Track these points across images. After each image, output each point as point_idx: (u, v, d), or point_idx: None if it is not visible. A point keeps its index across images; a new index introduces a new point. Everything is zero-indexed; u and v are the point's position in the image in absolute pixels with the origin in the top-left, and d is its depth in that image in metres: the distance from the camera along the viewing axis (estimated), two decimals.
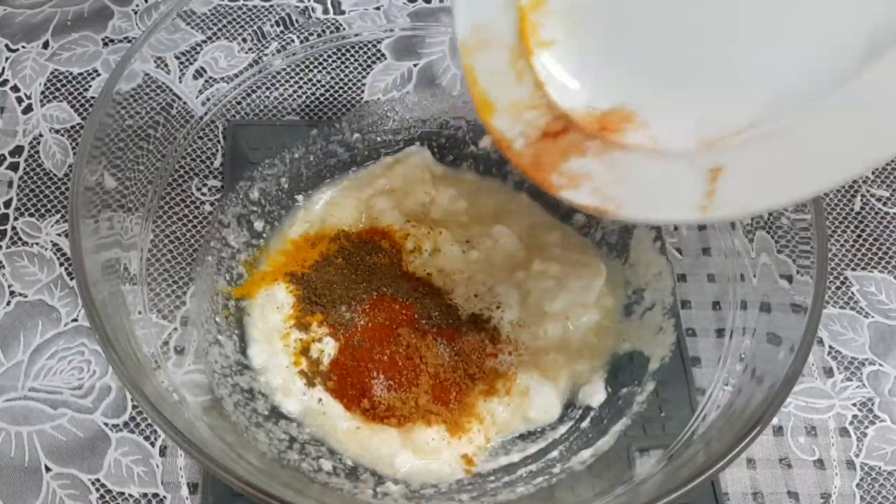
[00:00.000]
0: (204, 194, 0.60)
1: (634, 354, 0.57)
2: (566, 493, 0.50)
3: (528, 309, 0.58)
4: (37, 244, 0.59)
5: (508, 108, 0.43)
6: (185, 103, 0.59)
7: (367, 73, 0.68)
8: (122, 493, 0.51)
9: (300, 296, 0.57)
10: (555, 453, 0.53)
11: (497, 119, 0.43)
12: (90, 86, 0.67)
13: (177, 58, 0.59)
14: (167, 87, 0.58)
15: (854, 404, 0.56)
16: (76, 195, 0.47)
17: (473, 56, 0.43)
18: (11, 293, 0.57)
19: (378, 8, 0.67)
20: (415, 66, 0.68)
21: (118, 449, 0.52)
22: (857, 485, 0.53)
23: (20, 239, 0.59)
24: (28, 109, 0.66)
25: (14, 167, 0.63)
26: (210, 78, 0.61)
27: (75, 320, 0.56)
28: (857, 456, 0.54)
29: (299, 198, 0.62)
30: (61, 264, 0.59)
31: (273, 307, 0.56)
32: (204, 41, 0.60)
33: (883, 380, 0.57)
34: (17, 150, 0.63)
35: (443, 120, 0.64)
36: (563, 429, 0.54)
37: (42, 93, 0.66)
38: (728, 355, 0.53)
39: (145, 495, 0.51)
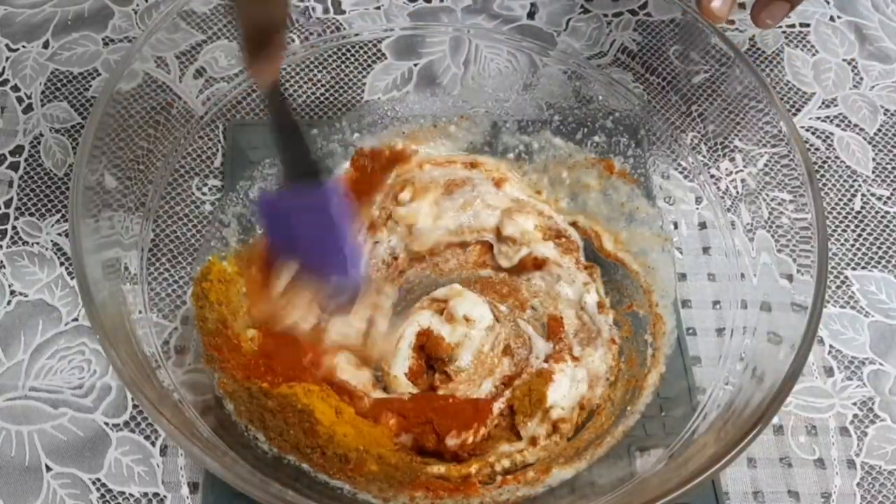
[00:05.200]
0: (204, 194, 0.60)
1: None
2: (566, 492, 0.50)
3: None
4: (37, 244, 0.59)
5: None
6: (185, 103, 0.59)
7: (368, 73, 0.68)
8: (123, 493, 0.51)
9: None
10: None
11: None
12: (90, 85, 0.67)
13: (177, 57, 0.59)
14: (167, 86, 0.58)
15: (854, 403, 0.56)
16: (76, 195, 0.47)
17: None
18: (12, 293, 0.57)
19: (378, 7, 0.67)
20: (415, 65, 0.68)
21: (118, 448, 0.52)
22: (858, 484, 0.53)
23: (20, 238, 0.59)
24: (28, 109, 0.65)
25: (14, 167, 0.63)
26: (210, 77, 0.60)
27: (76, 320, 0.56)
28: (857, 455, 0.54)
29: None
30: (62, 264, 0.59)
31: None
32: (204, 41, 0.60)
33: (883, 379, 0.57)
34: (18, 150, 0.63)
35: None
36: None
37: (42, 92, 0.66)
38: (728, 354, 0.53)
39: (146, 494, 0.51)
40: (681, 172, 0.61)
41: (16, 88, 0.67)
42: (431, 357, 0.55)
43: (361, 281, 0.52)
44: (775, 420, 0.54)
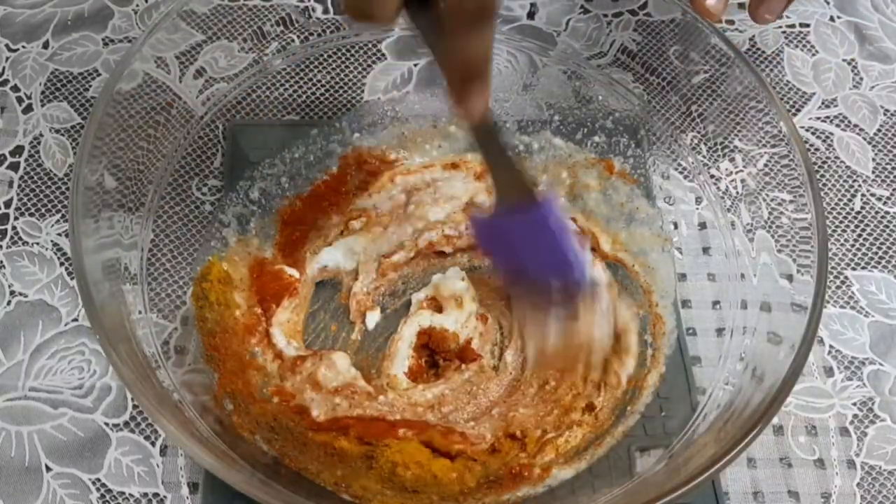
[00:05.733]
0: (204, 194, 0.60)
1: None
2: (566, 492, 0.50)
3: None
4: (37, 244, 0.59)
5: None
6: (185, 103, 0.59)
7: (368, 73, 0.68)
8: (123, 493, 0.51)
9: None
10: None
11: None
12: (90, 86, 0.67)
13: (177, 58, 0.59)
14: (167, 86, 0.58)
15: (854, 404, 0.56)
16: (76, 195, 0.47)
17: None
18: (12, 293, 0.57)
19: None
20: (415, 66, 0.68)
21: (118, 448, 0.52)
22: (858, 484, 0.53)
23: (20, 239, 0.59)
24: (28, 109, 0.65)
25: (14, 167, 0.63)
26: (210, 78, 0.60)
27: (76, 320, 0.56)
28: (857, 455, 0.54)
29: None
30: (61, 264, 0.59)
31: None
32: (204, 41, 0.60)
33: (883, 379, 0.57)
34: (18, 150, 0.63)
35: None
36: None
37: (42, 93, 0.66)
38: (728, 355, 0.53)
39: (146, 495, 0.51)
40: (681, 172, 0.61)
41: (16, 88, 0.67)
42: (438, 352, 0.55)
43: (588, 284, 0.49)
44: (775, 420, 0.54)
